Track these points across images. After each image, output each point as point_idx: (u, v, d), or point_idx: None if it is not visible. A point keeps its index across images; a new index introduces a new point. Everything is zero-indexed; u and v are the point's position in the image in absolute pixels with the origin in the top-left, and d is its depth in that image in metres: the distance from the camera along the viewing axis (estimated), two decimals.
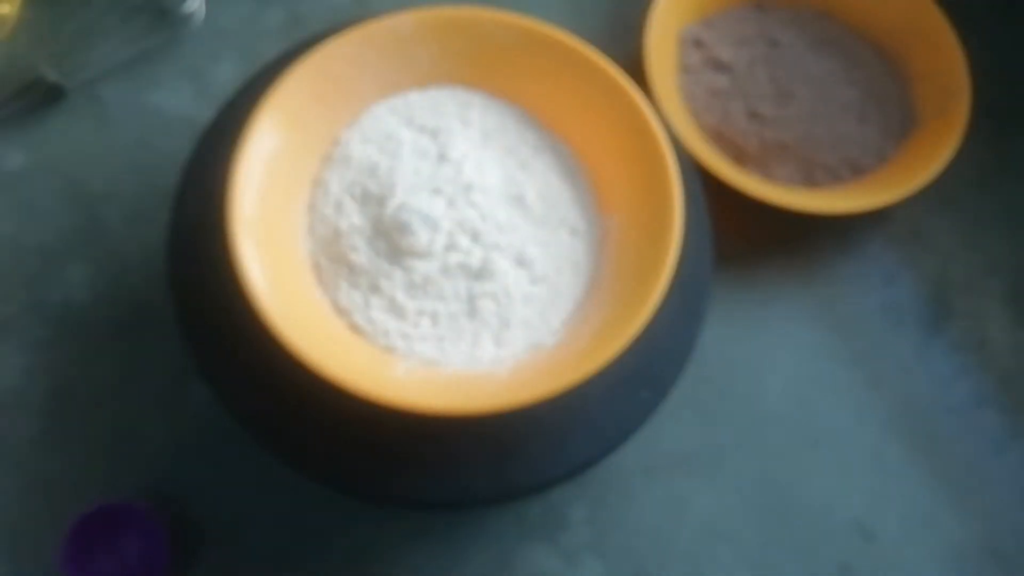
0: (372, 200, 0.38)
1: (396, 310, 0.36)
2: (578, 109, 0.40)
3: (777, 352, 0.47)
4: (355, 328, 0.36)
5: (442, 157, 0.39)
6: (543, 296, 0.38)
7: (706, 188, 0.42)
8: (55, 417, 0.42)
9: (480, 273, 0.37)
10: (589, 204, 0.40)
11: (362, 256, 0.37)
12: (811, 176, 0.49)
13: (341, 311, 0.37)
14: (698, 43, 0.52)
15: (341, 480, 0.36)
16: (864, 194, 0.48)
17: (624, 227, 0.39)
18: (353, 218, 0.38)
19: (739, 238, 0.49)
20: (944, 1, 0.52)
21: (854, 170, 0.49)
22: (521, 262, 0.38)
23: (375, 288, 0.37)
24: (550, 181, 0.40)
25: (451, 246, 0.37)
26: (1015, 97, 0.55)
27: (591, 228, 0.40)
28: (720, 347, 0.46)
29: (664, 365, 0.38)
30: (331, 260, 0.37)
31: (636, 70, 0.47)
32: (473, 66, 0.41)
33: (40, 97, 0.47)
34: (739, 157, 0.49)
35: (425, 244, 0.36)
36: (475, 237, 0.37)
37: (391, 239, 0.37)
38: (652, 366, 0.38)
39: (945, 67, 0.51)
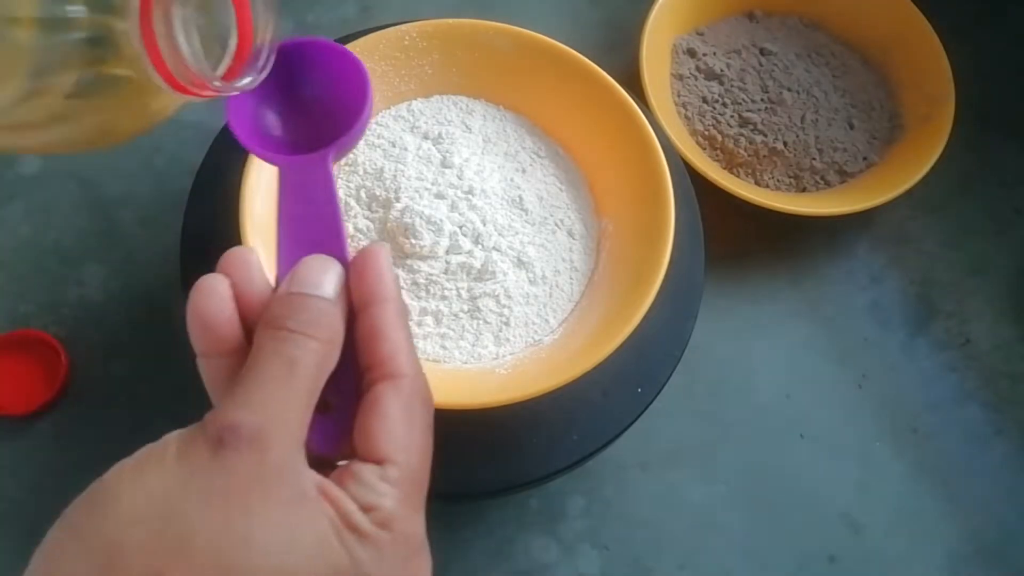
0: (378, 204, 0.39)
1: None
2: (576, 116, 0.41)
3: (767, 350, 0.48)
4: None
5: (445, 162, 0.40)
6: (542, 296, 0.39)
7: (698, 192, 0.43)
8: (70, 414, 0.42)
9: (481, 274, 0.38)
10: (586, 207, 0.41)
11: None
12: (800, 180, 0.50)
13: None
14: (691, 52, 0.53)
15: None
16: (851, 198, 0.49)
17: (620, 229, 0.40)
18: (359, 221, 0.39)
19: (730, 240, 0.50)
20: (929, 10, 0.53)
21: (841, 174, 0.50)
22: (521, 263, 0.39)
23: None
24: (548, 185, 0.41)
25: (453, 248, 0.38)
26: (997, 104, 0.57)
27: (588, 230, 0.41)
28: (712, 345, 0.47)
29: (657, 362, 0.39)
30: None
31: (631, 79, 0.48)
32: (474, 75, 0.42)
33: None
34: (730, 162, 0.50)
35: (429, 246, 0.37)
36: (476, 239, 0.38)
37: (396, 241, 0.38)
38: (646, 363, 0.39)
39: (930, 75, 0.52)
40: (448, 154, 0.40)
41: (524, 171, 0.41)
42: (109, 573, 0.18)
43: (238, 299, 0.22)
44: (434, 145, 0.40)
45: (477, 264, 0.38)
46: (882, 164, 0.51)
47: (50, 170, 0.48)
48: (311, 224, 0.23)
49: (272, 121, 0.25)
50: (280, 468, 0.19)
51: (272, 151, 0.24)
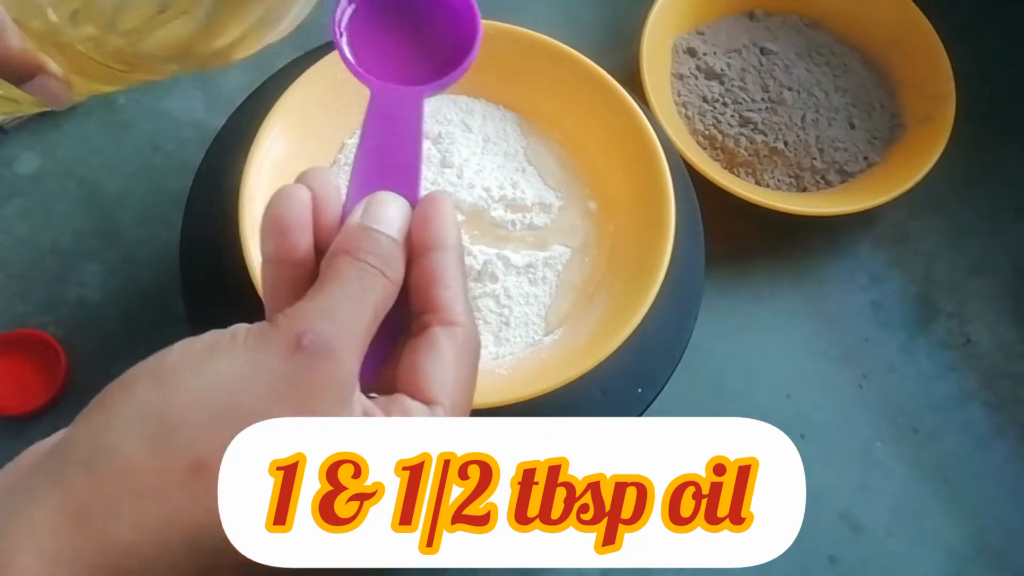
0: None
1: None
2: (576, 116, 0.41)
3: (767, 350, 0.48)
4: None
5: (444, 162, 0.40)
6: (542, 296, 0.39)
7: (699, 191, 0.43)
8: (69, 414, 0.42)
9: (481, 274, 0.38)
10: (586, 207, 0.41)
11: None
12: (800, 180, 0.50)
13: None
14: (691, 52, 0.53)
15: None
16: (852, 197, 0.49)
17: (620, 229, 0.40)
18: None
19: (731, 240, 0.50)
20: (930, 10, 0.53)
21: (842, 174, 0.50)
22: (521, 263, 0.39)
23: None
24: (549, 185, 0.41)
25: None
26: (999, 103, 0.56)
27: (588, 230, 0.41)
28: (712, 345, 0.47)
29: (658, 362, 0.39)
30: None
31: (631, 78, 0.48)
32: (474, 75, 0.41)
33: None
34: (731, 162, 0.50)
35: None
36: (476, 239, 0.38)
37: None
38: (646, 363, 0.39)
39: (931, 74, 0.52)
40: (448, 154, 0.40)
41: (524, 171, 0.41)
42: (159, 447, 0.18)
43: (314, 213, 0.22)
44: (433, 145, 0.40)
45: (477, 265, 0.38)
46: (883, 164, 0.51)
47: (48, 169, 0.48)
48: (391, 157, 0.22)
49: (373, 43, 0.24)
50: (347, 383, 0.19)
51: (368, 72, 0.23)
